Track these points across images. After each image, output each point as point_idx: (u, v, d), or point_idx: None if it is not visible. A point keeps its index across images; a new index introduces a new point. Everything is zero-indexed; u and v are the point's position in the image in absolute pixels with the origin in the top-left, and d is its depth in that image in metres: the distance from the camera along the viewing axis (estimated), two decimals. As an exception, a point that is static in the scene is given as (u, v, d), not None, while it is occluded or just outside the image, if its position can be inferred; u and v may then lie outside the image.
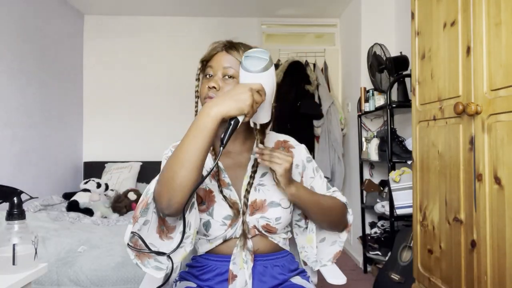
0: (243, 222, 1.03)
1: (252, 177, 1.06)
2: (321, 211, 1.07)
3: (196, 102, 1.07)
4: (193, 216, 0.92)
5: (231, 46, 1.05)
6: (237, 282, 1.01)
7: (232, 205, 1.03)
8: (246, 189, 1.04)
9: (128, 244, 0.87)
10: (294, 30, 4.18)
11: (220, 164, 1.06)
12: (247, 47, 1.06)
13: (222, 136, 0.83)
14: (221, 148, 0.83)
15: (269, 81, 0.87)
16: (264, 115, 0.95)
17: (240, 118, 0.83)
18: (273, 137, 1.16)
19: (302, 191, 1.03)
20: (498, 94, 1.26)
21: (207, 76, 1.04)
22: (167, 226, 0.91)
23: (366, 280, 2.88)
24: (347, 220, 1.15)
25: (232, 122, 0.83)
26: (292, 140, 1.17)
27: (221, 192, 1.04)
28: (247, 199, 1.04)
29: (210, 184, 1.06)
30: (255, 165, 1.07)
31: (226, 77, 1.01)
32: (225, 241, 1.05)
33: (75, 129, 3.79)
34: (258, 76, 0.85)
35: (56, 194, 3.23)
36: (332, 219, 1.10)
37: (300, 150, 1.14)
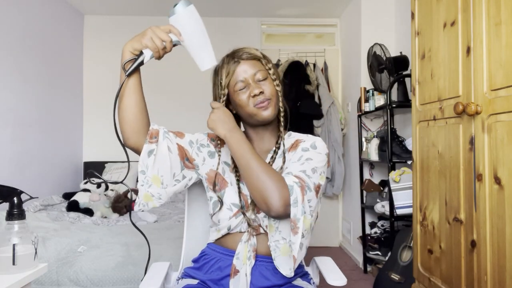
0: (248, 219, 1.06)
1: None
2: (248, 168, 0.96)
3: (249, 116, 1.09)
4: (151, 162, 1.03)
5: (242, 53, 1.07)
6: (239, 277, 1.03)
7: (243, 196, 1.08)
8: None
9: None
10: (294, 30, 4.18)
11: (229, 163, 1.13)
12: (251, 48, 1.10)
13: (128, 66, 0.97)
14: (125, 75, 0.97)
15: (185, 23, 0.95)
16: (204, 59, 0.98)
17: (146, 52, 0.96)
18: (293, 138, 1.15)
19: (233, 139, 0.99)
20: (498, 94, 1.26)
21: (240, 90, 1.06)
22: None
23: (366, 280, 2.88)
24: (284, 207, 0.92)
25: (138, 55, 0.96)
26: (309, 138, 1.13)
27: (238, 182, 1.09)
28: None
29: (226, 174, 1.11)
30: (271, 163, 1.09)
31: (258, 82, 1.06)
32: (230, 233, 1.09)
33: (75, 129, 3.79)
34: (171, 20, 0.97)
35: (56, 194, 3.23)
36: (258, 185, 0.94)
37: (306, 143, 1.09)
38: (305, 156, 1.04)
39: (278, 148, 1.11)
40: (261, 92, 1.05)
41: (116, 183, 1.14)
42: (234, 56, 1.07)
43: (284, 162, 1.07)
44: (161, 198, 1.06)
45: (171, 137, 1.08)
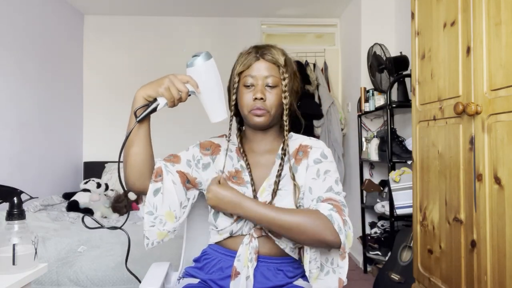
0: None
1: (276, 183, 1.05)
2: (280, 228, 0.94)
3: (233, 115, 1.08)
4: (159, 200, 1.02)
5: (267, 52, 1.05)
6: (239, 280, 1.02)
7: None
8: (273, 191, 1.05)
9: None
10: (294, 30, 4.18)
11: (243, 163, 1.10)
12: (281, 51, 1.08)
13: (140, 112, 0.95)
14: (136, 121, 0.95)
15: (203, 75, 0.95)
16: (215, 112, 0.98)
17: (161, 100, 0.95)
18: (299, 141, 1.13)
19: (247, 212, 0.96)
20: (498, 94, 1.26)
21: (247, 86, 1.05)
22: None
23: (366, 280, 2.88)
24: (336, 235, 0.91)
25: (151, 102, 0.95)
26: (315, 144, 1.11)
27: (252, 184, 1.07)
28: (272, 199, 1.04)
29: (227, 180, 1.09)
30: (280, 170, 1.06)
31: (267, 87, 1.05)
32: (232, 236, 1.08)
33: (75, 129, 3.79)
34: (189, 71, 0.96)
35: (56, 194, 3.23)
36: (299, 236, 0.92)
37: (315, 151, 1.08)
38: (322, 170, 1.03)
39: (284, 154, 1.08)
40: (262, 99, 1.03)
41: (115, 228, 1.08)
42: (258, 51, 1.06)
43: (290, 169, 1.05)
44: (176, 231, 1.06)
45: (171, 169, 1.07)
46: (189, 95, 0.97)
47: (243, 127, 1.18)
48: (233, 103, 1.07)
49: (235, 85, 1.06)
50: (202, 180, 1.11)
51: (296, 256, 1.11)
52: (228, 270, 1.06)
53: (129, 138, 0.99)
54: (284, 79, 1.06)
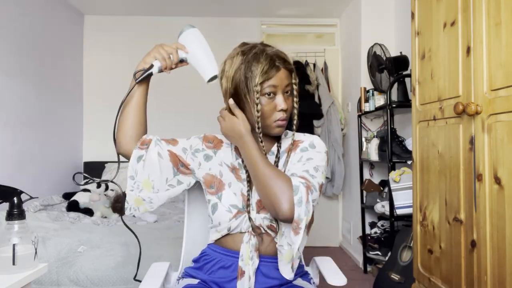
0: (250, 218, 1.06)
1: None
2: (257, 170, 0.98)
3: (258, 123, 1.04)
4: (141, 167, 1.07)
5: (284, 61, 1.05)
6: (245, 279, 1.03)
7: (243, 197, 1.08)
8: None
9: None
10: (294, 30, 4.18)
11: (240, 161, 1.11)
12: (287, 55, 1.09)
13: (139, 75, 1.07)
14: (136, 81, 1.07)
15: (189, 39, 1.12)
16: (207, 70, 1.10)
17: (155, 63, 1.07)
18: (297, 137, 1.14)
19: (244, 144, 1.02)
20: (498, 94, 1.26)
21: (267, 95, 1.03)
22: None
23: (366, 280, 2.88)
24: (290, 207, 0.92)
25: (149, 67, 1.08)
26: (306, 138, 1.13)
27: (229, 185, 1.09)
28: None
29: (224, 176, 1.11)
30: (276, 163, 1.09)
31: (285, 94, 1.06)
32: (230, 234, 1.08)
33: (75, 129, 3.79)
34: (179, 40, 1.14)
35: (56, 194, 3.23)
36: (266, 186, 0.95)
37: (304, 143, 1.10)
38: (305, 156, 1.04)
39: (279, 150, 1.11)
40: (285, 110, 1.05)
41: (106, 181, 1.20)
42: (275, 58, 1.03)
43: (286, 162, 1.07)
44: (152, 203, 1.09)
45: (163, 145, 1.10)
46: (181, 61, 1.11)
47: None
48: (258, 114, 1.02)
49: (257, 95, 1.01)
50: (195, 168, 1.12)
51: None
52: (230, 270, 1.06)
53: (129, 100, 1.09)
54: (295, 84, 1.08)
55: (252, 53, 1.03)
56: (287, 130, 1.18)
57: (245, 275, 1.03)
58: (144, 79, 1.08)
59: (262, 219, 1.05)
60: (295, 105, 1.09)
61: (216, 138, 1.18)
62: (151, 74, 1.08)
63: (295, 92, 1.08)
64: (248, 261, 1.03)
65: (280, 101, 1.03)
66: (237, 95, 1.05)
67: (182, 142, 1.15)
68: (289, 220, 0.93)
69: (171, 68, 1.10)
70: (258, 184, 0.98)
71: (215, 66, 1.11)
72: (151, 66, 1.07)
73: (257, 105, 1.02)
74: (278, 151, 1.11)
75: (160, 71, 1.09)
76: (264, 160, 0.99)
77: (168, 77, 3.44)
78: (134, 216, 1.14)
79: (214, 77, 1.10)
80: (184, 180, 1.12)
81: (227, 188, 1.09)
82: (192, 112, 3.86)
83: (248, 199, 1.07)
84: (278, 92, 1.03)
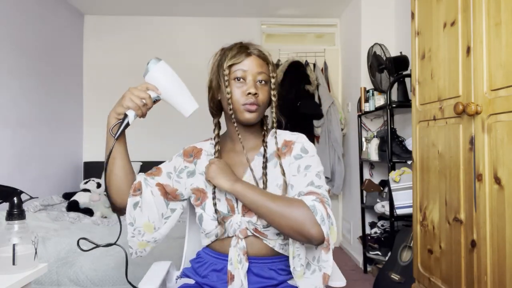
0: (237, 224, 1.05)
1: (264, 182, 1.05)
2: (269, 210, 0.93)
3: (230, 110, 1.05)
4: (138, 213, 1.05)
5: (258, 50, 1.06)
6: (235, 283, 1.02)
7: (228, 201, 1.07)
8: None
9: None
10: (294, 30, 4.18)
11: None
12: (265, 50, 1.10)
13: (115, 130, 0.99)
14: (114, 140, 0.98)
15: (158, 78, 1.00)
16: (185, 106, 1.01)
17: (129, 113, 0.99)
18: (283, 137, 1.13)
19: (242, 187, 0.97)
20: (498, 94, 1.26)
21: (237, 80, 1.04)
22: None
23: (366, 280, 2.88)
24: (319, 228, 0.89)
25: (123, 118, 0.99)
26: (297, 138, 1.11)
27: (214, 192, 1.07)
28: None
29: (200, 183, 1.11)
30: (264, 169, 1.07)
31: (258, 82, 1.05)
32: (219, 239, 1.08)
33: (75, 129, 3.79)
34: (146, 79, 1.02)
35: (56, 194, 3.23)
36: (288, 221, 0.90)
37: (296, 146, 1.09)
38: (302, 165, 1.03)
39: (265, 149, 1.09)
40: (256, 94, 1.03)
41: (110, 245, 1.06)
42: (248, 47, 1.06)
43: (281, 166, 1.06)
44: (157, 240, 1.10)
45: (151, 182, 1.09)
46: (154, 101, 1.02)
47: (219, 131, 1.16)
48: (228, 96, 1.03)
49: (226, 78, 1.03)
50: (183, 191, 1.12)
51: (287, 253, 1.10)
52: (222, 273, 1.06)
53: (110, 157, 1.02)
54: (273, 76, 1.07)
55: (230, 45, 1.08)
56: (277, 129, 1.15)
57: (235, 279, 1.02)
58: (122, 132, 0.99)
59: (247, 222, 1.04)
60: (273, 98, 1.07)
61: (195, 148, 1.17)
62: (128, 125, 0.99)
63: (273, 85, 1.07)
64: (237, 265, 1.02)
65: (249, 85, 1.03)
66: (212, 88, 1.10)
67: (166, 167, 1.13)
68: (323, 241, 0.90)
69: (146, 113, 1.01)
70: (274, 221, 0.93)
71: (192, 99, 1.02)
72: (125, 116, 0.99)
73: (226, 88, 1.03)
74: (265, 150, 1.09)
75: (135, 118, 1.00)
76: (267, 196, 0.95)
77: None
78: (141, 256, 1.13)
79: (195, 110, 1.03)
80: (176, 206, 1.12)
81: (210, 196, 1.08)
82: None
83: (233, 203, 1.06)
84: (248, 78, 1.04)
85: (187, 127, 3.67)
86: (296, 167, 1.04)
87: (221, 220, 1.05)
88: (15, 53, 2.85)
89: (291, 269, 0.98)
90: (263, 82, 1.05)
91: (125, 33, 3.93)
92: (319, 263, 0.97)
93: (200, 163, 1.13)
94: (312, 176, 1.01)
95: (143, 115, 1.00)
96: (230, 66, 1.04)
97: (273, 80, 1.07)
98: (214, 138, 1.14)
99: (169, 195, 1.11)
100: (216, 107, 1.13)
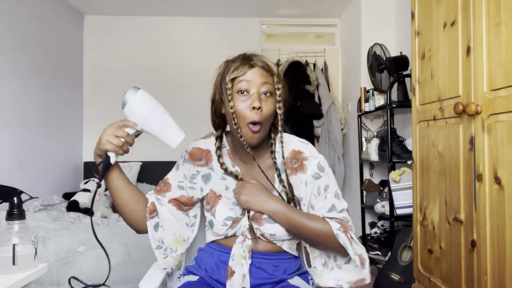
0: (249, 224, 1.06)
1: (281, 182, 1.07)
2: (305, 234, 1.02)
3: (235, 125, 1.01)
4: (162, 233, 1.07)
5: (262, 61, 1.02)
6: (234, 278, 1.02)
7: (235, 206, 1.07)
8: None
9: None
10: (294, 30, 4.18)
11: (238, 169, 1.09)
12: (270, 61, 1.06)
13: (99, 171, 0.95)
14: (100, 183, 0.94)
15: (138, 110, 0.92)
16: (170, 137, 0.94)
17: (110, 154, 0.93)
18: (291, 145, 1.10)
19: (278, 211, 1.00)
20: (498, 94, 1.26)
21: (240, 93, 1.00)
22: None
23: (366, 280, 2.88)
24: (344, 251, 1.03)
25: (104, 159, 0.93)
26: (308, 151, 1.08)
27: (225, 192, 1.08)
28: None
29: (218, 187, 1.09)
30: (282, 186, 1.07)
31: (263, 95, 1.01)
32: (226, 237, 1.09)
33: (75, 129, 3.79)
34: (125, 111, 0.93)
35: (56, 194, 3.23)
36: (321, 243, 1.04)
37: (311, 164, 1.07)
38: (322, 186, 1.05)
39: (275, 161, 1.08)
40: (260, 109, 0.98)
41: (99, 286, 1.09)
42: (251, 59, 1.02)
43: (289, 186, 1.06)
44: (186, 251, 1.13)
45: (163, 201, 1.08)
46: (137, 135, 0.95)
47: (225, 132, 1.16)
48: (232, 110, 1.00)
49: (228, 92, 1.00)
50: (199, 196, 1.11)
51: (295, 253, 1.11)
52: (222, 266, 1.07)
53: (111, 193, 1.01)
54: (278, 88, 1.03)
55: (234, 57, 1.05)
56: (292, 136, 1.12)
57: (235, 275, 1.02)
58: (104, 173, 0.95)
59: (255, 228, 1.05)
60: (278, 110, 1.03)
61: (202, 150, 1.13)
62: (110, 165, 0.94)
63: (278, 98, 1.02)
64: (240, 261, 1.02)
65: (253, 99, 0.98)
66: (215, 101, 1.07)
67: (174, 179, 1.11)
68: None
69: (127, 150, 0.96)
70: (305, 240, 1.06)
71: (178, 128, 0.94)
72: (107, 157, 0.93)
73: (229, 102, 1.00)
74: (275, 162, 1.07)
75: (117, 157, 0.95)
76: (306, 217, 1.02)
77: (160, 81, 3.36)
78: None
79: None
80: (196, 211, 1.14)
81: (221, 202, 1.06)
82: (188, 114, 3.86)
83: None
84: (252, 90, 0.99)
85: (187, 127, 3.67)
86: (316, 188, 1.05)
87: (233, 224, 1.05)
88: (15, 53, 2.85)
89: (311, 268, 1.07)
90: (268, 94, 1.01)
91: (125, 33, 3.93)
92: (336, 261, 1.07)
93: (215, 164, 1.10)
94: (331, 198, 1.05)
95: (125, 152, 0.94)
96: (233, 79, 1.00)
97: (278, 92, 1.03)
98: (216, 152, 1.11)
99: (185, 205, 1.10)
100: (219, 120, 1.10)
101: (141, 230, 1.08)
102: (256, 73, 1.00)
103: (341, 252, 1.03)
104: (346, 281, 1.06)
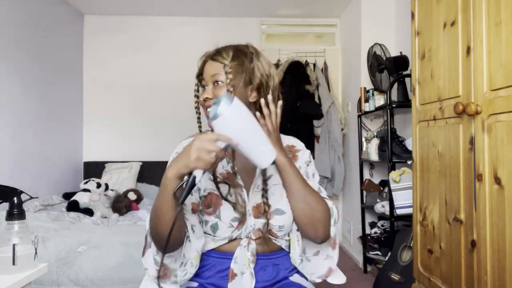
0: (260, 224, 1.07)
1: (264, 182, 1.06)
2: (303, 194, 0.97)
3: (199, 116, 1.09)
4: (187, 248, 1.01)
5: (215, 53, 1.05)
6: (236, 281, 1.02)
7: (238, 207, 1.04)
8: (262, 192, 1.06)
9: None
10: (294, 30, 4.18)
11: (236, 168, 1.07)
12: (232, 48, 1.05)
13: (179, 193, 0.84)
14: (179, 206, 0.84)
15: (233, 123, 0.81)
16: (263, 155, 0.86)
17: (197, 173, 0.82)
18: (285, 141, 1.14)
19: (289, 163, 0.98)
20: (498, 94, 1.26)
21: (204, 87, 1.07)
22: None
23: (366, 280, 2.88)
24: (329, 229, 1.01)
25: (188, 179, 0.83)
26: (298, 145, 1.15)
27: (226, 196, 1.04)
28: (266, 201, 1.05)
29: (220, 187, 1.06)
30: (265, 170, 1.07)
31: (216, 83, 1.03)
32: (229, 241, 1.07)
33: (75, 129, 3.79)
34: (215, 124, 0.81)
35: (56, 194, 3.23)
36: (311, 211, 0.98)
37: (303, 154, 1.13)
38: (310, 172, 1.12)
39: None
40: (207, 98, 1.03)
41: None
42: (209, 53, 1.07)
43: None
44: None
45: (188, 215, 1.03)
46: (226, 149, 0.84)
47: None
48: (196, 105, 1.09)
49: (196, 88, 1.09)
50: (197, 196, 1.07)
51: (288, 249, 1.13)
52: (225, 272, 1.06)
53: (162, 215, 0.89)
54: (227, 73, 1.00)
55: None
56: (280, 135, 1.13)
57: (237, 278, 1.02)
58: (187, 195, 0.83)
59: (262, 224, 1.05)
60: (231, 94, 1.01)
61: None
62: (195, 185, 0.83)
63: (227, 81, 0.99)
64: (248, 264, 1.03)
65: (205, 92, 1.04)
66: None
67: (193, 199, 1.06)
68: (325, 241, 1.04)
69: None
70: (297, 204, 0.99)
71: (270, 146, 0.88)
72: (193, 178, 0.82)
73: (197, 98, 1.08)
74: None
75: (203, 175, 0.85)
76: (303, 179, 1.00)
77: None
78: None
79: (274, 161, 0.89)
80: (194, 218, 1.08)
81: (224, 203, 1.04)
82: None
83: (243, 209, 1.05)
84: (208, 84, 1.05)
85: (187, 127, 3.67)
86: (304, 173, 1.09)
87: (239, 225, 1.04)
88: (15, 53, 2.85)
89: (292, 260, 1.08)
90: (218, 82, 1.02)
91: (125, 33, 3.93)
92: (305, 253, 1.09)
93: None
94: (316, 186, 1.09)
95: (213, 169, 0.93)
96: (198, 77, 1.09)
97: (230, 76, 1.00)
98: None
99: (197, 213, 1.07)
100: None
101: (160, 245, 0.96)
102: (208, 67, 1.05)
103: (317, 229, 0.99)
104: (317, 276, 1.10)
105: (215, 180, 1.05)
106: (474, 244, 1.39)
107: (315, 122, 3.58)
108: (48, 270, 1.84)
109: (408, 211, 2.30)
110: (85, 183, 3.20)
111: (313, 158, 2.96)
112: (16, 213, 0.99)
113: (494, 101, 1.27)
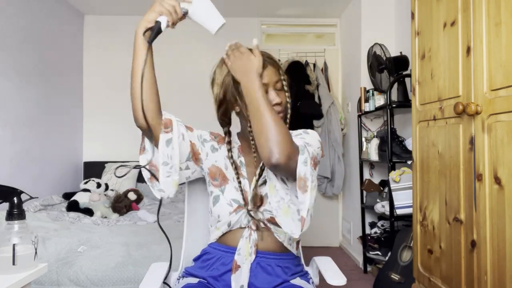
0: (249, 213, 1.07)
1: (260, 175, 1.09)
2: (261, 112, 0.95)
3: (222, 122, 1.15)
4: (171, 150, 1.03)
5: (271, 58, 1.08)
6: (240, 273, 1.04)
7: (244, 193, 1.09)
8: (256, 183, 1.09)
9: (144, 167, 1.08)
10: (294, 30, 4.18)
11: (243, 159, 1.14)
12: (270, 56, 1.11)
13: (149, 35, 1.00)
14: (149, 44, 1.00)
15: None
16: (213, 20, 1.02)
17: (161, 19, 0.99)
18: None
19: (251, 85, 0.98)
20: (498, 94, 1.26)
21: None
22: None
23: (366, 280, 2.88)
24: (287, 156, 0.92)
25: (155, 25, 0.99)
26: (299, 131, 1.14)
27: (238, 179, 1.10)
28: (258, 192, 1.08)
29: (228, 170, 1.12)
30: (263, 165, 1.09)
31: (277, 91, 1.07)
32: (231, 230, 1.09)
33: (75, 129, 3.79)
34: None
35: (56, 194, 3.23)
36: (265, 129, 0.94)
37: (299, 131, 1.13)
38: (298, 136, 1.08)
39: None
40: (280, 103, 1.06)
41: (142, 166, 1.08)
42: (263, 57, 1.05)
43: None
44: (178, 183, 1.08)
45: (182, 128, 1.09)
46: (184, 14, 1.02)
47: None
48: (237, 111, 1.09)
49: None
50: (204, 158, 1.14)
51: (294, 251, 1.14)
52: (229, 266, 1.08)
53: (136, 64, 1.01)
54: (284, 79, 1.09)
55: None
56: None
57: (240, 269, 1.04)
58: (155, 37, 1.00)
59: (261, 212, 1.06)
60: (288, 99, 1.10)
61: (220, 135, 1.20)
62: (160, 31, 1.00)
63: (285, 88, 1.10)
64: (247, 256, 1.05)
65: (273, 96, 1.05)
66: (226, 101, 1.09)
67: (196, 130, 1.15)
68: (280, 168, 0.93)
69: (176, 23, 1.03)
70: (258, 123, 0.95)
71: (219, 15, 1.03)
72: (158, 23, 0.99)
73: (235, 102, 1.06)
74: None
75: (167, 26, 1.01)
76: (270, 104, 0.97)
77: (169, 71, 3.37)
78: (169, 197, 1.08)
79: (222, 26, 1.04)
80: (192, 167, 1.13)
81: (230, 182, 1.11)
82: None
83: (247, 195, 1.09)
84: (269, 89, 1.05)
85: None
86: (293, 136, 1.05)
87: (237, 208, 1.07)
88: (15, 53, 2.85)
89: (274, 204, 1.00)
90: (280, 89, 1.08)
91: (125, 33, 3.92)
92: (295, 205, 0.99)
93: (224, 148, 1.15)
94: (302, 141, 1.02)
95: (173, 24, 1.01)
96: None
97: (285, 82, 1.10)
98: (227, 145, 1.16)
99: (193, 155, 1.12)
100: (229, 118, 1.15)
101: (141, 122, 1.02)
102: (270, 72, 1.06)
103: (271, 148, 0.93)
104: (290, 230, 1.00)
105: (232, 161, 1.12)
106: (474, 244, 1.39)
107: (315, 122, 3.59)
108: (48, 270, 1.84)
109: (408, 211, 2.30)
110: (85, 183, 3.21)
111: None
112: (16, 213, 0.99)
113: (494, 101, 1.27)
